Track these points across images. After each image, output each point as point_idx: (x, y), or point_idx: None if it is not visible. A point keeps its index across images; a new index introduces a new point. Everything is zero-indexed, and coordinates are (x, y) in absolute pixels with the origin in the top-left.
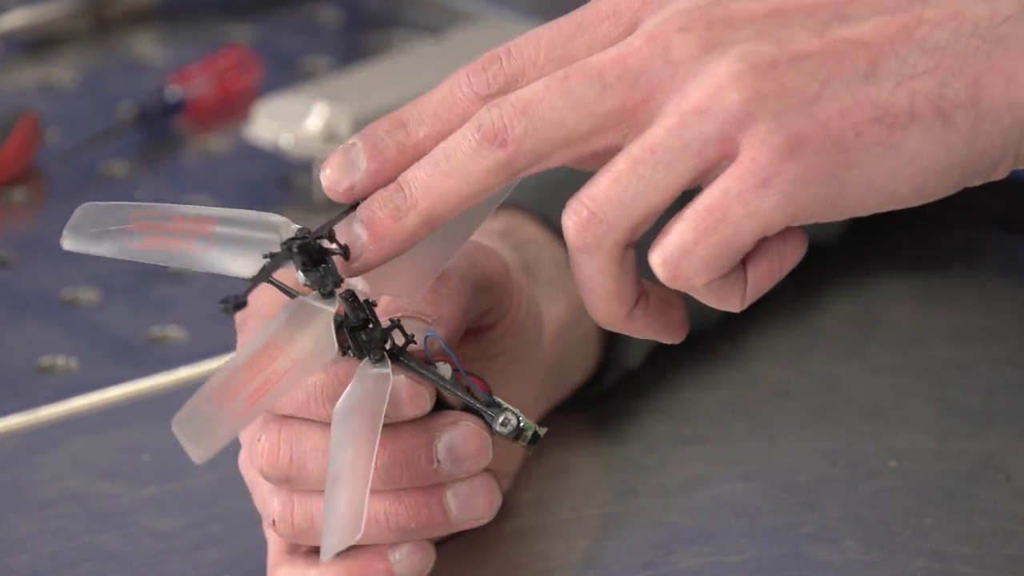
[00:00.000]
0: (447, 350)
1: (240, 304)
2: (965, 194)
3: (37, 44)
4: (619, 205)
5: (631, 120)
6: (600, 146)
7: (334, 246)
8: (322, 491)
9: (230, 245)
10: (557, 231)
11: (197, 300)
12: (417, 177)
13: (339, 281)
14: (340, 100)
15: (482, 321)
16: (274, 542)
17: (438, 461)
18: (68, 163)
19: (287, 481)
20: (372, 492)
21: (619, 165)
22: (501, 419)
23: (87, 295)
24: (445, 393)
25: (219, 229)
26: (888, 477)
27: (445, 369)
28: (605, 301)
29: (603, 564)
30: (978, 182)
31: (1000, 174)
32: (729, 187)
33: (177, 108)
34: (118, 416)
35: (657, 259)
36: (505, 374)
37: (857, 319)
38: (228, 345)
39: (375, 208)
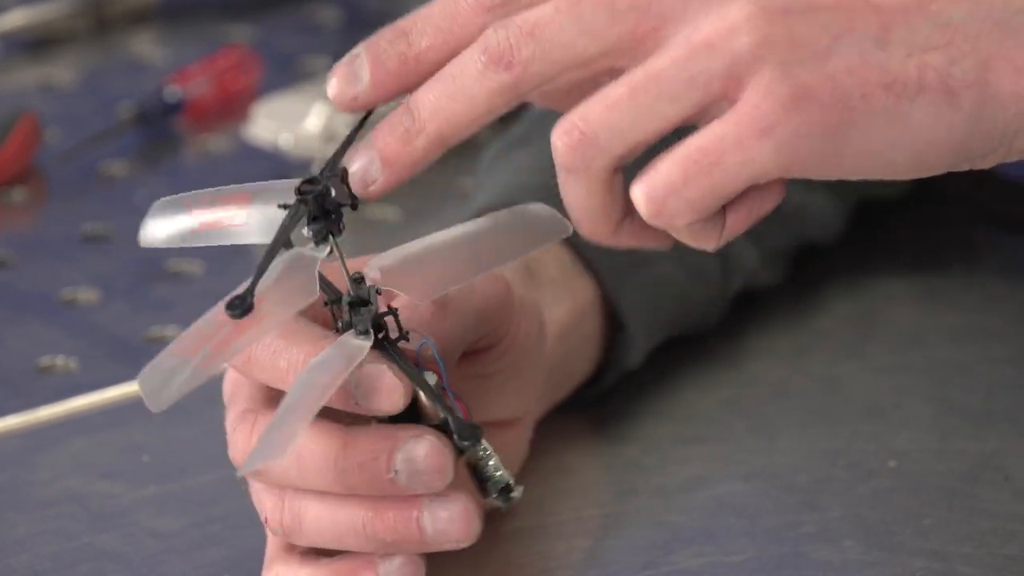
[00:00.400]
0: (439, 361)
1: (248, 307)
2: (965, 194)
3: (37, 44)
4: (613, 130)
5: (638, 47)
6: (603, 70)
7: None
8: (303, 490)
9: (265, 219)
10: None
11: (197, 300)
12: (425, 100)
13: (339, 230)
14: None
15: (479, 344)
16: (272, 539)
17: (395, 471)
18: (68, 163)
19: (255, 474)
20: (351, 501)
21: (618, 90)
22: (467, 431)
23: (87, 295)
24: (424, 400)
25: (253, 205)
26: (888, 477)
27: (430, 379)
28: (591, 221)
29: (603, 564)
30: (966, 167)
31: (989, 163)
32: (727, 132)
33: (177, 108)
34: (118, 416)
35: (641, 194)
36: (504, 389)
37: (857, 319)
38: None
39: (386, 133)
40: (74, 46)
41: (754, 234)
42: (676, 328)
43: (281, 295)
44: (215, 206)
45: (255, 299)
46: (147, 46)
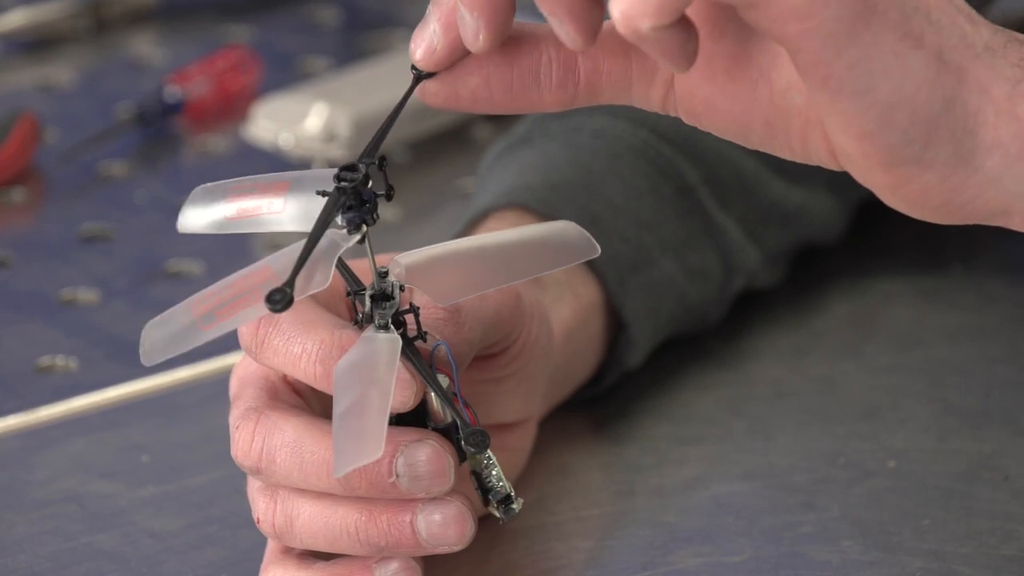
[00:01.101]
0: (452, 365)
1: (290, 300)
2: None
3: (36, 44)
4: None
5: None
6: None
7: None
8: (301, 490)
9: (302, 207)
10: None
11: None
12: None
13: (373, 220)
14: (339, 100)
15: (491, 350)
16: (271, 543)
17: (396, 475)
18: (67, 163)
19: (257, 472)
20: (345, 503)
21: None
22: (475, 436)
23: (86, 295)
24: (433, 402)
25: (291, 194)
26: (886, 477)
27: (442, 380)
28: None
29: (602, 564)
30: (914, 172)
31: (933, 178)
32: None
33: (176, 108)
34: (117, 416)
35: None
36: (513, 393)
37: (855, 319)
38: (228, 345)
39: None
40: (74, 46)
41: (756, 235)
42: (677, 328)
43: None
44: (253, 194)
45: (265, 270)
46: (146, 46)
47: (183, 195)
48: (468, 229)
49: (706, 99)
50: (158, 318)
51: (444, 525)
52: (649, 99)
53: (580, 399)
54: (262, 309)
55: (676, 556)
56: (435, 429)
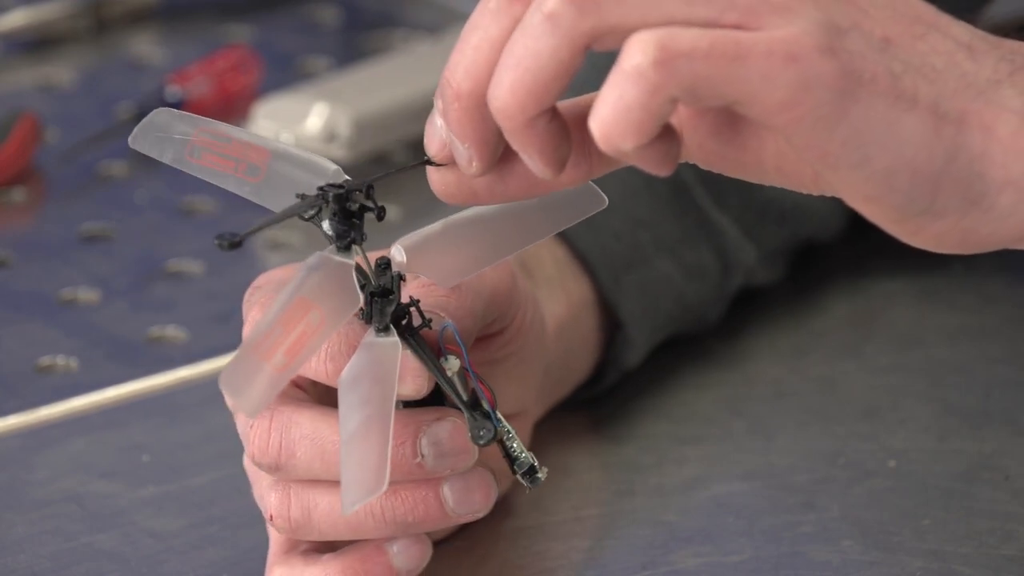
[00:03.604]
0: (460, 344)
1: (236, 243)
2: None
3: (36, 44)
4: (622, 4)
5: None
6: None
7: (370, 203)
8: (315, 481)
9: (277, 181)
10: (560, 234)
11: (197, 300)
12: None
13: (362, 238)
14: (339, 100)
15: (489, 329)
16: (275, 540)
17: (422, 455)
18: (67, 163)
19: (277, 469)
20: None
21: None
22: (483, 430)
23: (86, 295)
24: (445, 389)
25: (272, 163)
26: (886, 477)
27: (454, 363)
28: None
29: (601, 564)
30: (926, 222)
31: (946, 224)
32: (761, 39)
33: (176, 108)
34: (117, 416)
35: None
36: (511, 376)
37: (855, 319)
38: (228, 345)
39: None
40: (74, 46)
41: (753, 233)
42: (675, 327)
43: (332, 304)
44: (227, 147)
45: (302, 301)
46: (147, 46)
47: (184, 195)
48: None
49: (716, 151)
50: (228, 372)
51: (469, 491)
52: None
53: (579, 399)
54: (320, 343)
55: (676, 556)
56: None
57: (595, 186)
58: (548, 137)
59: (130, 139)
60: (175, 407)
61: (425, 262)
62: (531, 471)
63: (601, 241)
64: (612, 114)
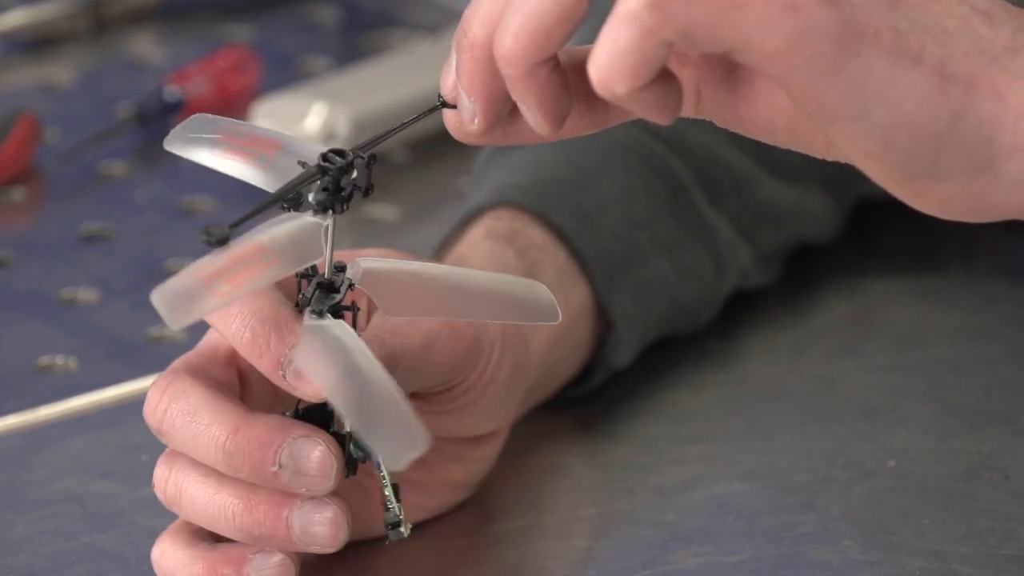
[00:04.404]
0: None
1: (224, 239)
2: None
3: (36, 44)
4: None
5: None
6: None
7: (361, 183)
8: (196, 463)
9: (282, 173)
10: (558, 234)
11: None
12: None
13: (342, 208)
14: (339, 100)
15: (446, 384)
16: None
17: (280, 466)
18: (67, 163)
19: (159, 433)
20: (228, 486)
21: None
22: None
23: (86, 295)
24: (336, 410)
25: (278, 156)
26: (886, 477)
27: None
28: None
29: (601, 564)
30: (930, 184)
31: (952, 188)
32: None
33: (176, 108)
34: (117, 416)
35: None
36: (478, 409)
37: (854, 319)
38: None
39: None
40: (73, 46)
41: (748, 234)
42: (667, 328)
43: (291, 249)
44: (245, 140)
45: (258, 243)
46: (146, 46)
47: (184, 195)
48: (460, 228)
49: (730, 107)
50: (166, 286)
51: (318, 525)
52: (684, 108)
53: (567, 398)
54: (266, 280)
55: (676, 556)
56: (335, 433)
57: (556, 303)
58: (548, 88)
59: (165, 142)
60: None
61: (376, 286)
62: (395, 525)
63: (599, 241)
64: (607, 57)
